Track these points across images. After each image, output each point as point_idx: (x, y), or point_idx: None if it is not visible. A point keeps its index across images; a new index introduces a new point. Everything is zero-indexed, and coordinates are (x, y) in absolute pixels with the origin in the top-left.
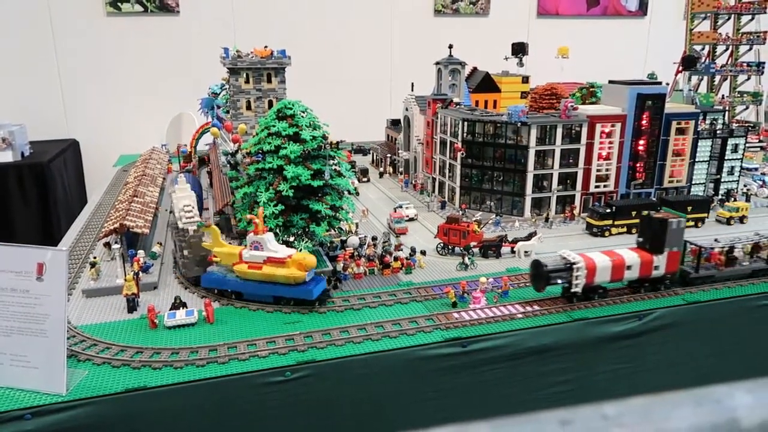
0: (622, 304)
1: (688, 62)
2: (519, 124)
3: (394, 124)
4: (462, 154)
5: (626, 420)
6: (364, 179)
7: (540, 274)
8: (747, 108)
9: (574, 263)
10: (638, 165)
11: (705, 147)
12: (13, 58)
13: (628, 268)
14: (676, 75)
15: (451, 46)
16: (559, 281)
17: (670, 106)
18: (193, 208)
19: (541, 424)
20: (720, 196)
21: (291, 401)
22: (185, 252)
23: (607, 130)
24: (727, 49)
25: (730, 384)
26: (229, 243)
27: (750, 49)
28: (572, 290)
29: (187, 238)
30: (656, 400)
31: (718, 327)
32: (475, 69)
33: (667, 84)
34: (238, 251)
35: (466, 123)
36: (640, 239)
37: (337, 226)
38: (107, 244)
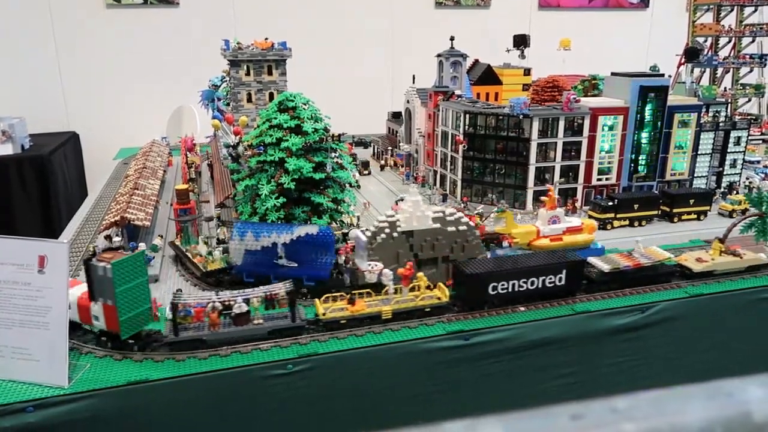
0: (624, 296)
1: (691, 54)
2: (521, 117)
3: (396, 116)
4: (463, 146)
5: (637, 414)
6: (366, 172)
7: None
8: (749, 100)
9: None
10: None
11: (707, 140)
12: (12, 51)
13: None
14: (678, 67)
15: (452, 39)
16: None
17: (672, 99)
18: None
19: (551, 418)
20: (722, 189)
21: (293, 394)
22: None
23: (609, 122)
24: (729, 41)
25: (742, 378)
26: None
27: (753, 41)
28: None
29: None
30: (667, 394)
31: (722, 320)
32: (476, 61)
33: (670, 76)
34: (535, 229)
35: (467, 115)
36: None
37: (339, 219)
38: (108, 237)
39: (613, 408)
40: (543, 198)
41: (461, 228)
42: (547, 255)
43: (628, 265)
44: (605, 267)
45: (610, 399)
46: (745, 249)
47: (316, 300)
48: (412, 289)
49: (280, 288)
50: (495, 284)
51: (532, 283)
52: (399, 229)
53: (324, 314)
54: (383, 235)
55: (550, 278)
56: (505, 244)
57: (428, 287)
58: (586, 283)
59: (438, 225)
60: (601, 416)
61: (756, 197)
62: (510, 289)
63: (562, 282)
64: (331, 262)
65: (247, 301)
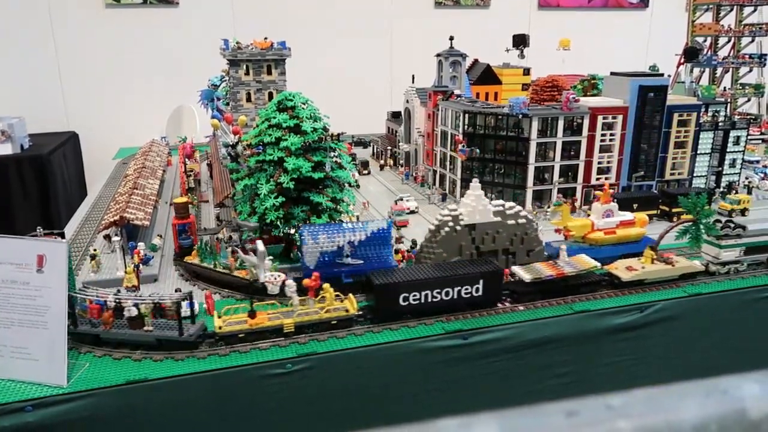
0: (623, 296)
1: (690, 54)
2: (520, 117)
3: (395, 116)
4: (463, 146)
5: (632, 411)
6: (365, 171)
7: None
8: (749, 100)
9: None
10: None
11: (707, 139)
12: (11, 50)
13: None
14: (677, 67)
15: (452, 38)
16: None
17: (671, 98)
18: None
19: (546, 416)
20: (722, 189)
21: (292, 393)
22: None
23: (608, 122)
24: (729, 40)
25: (737, 375)
26: (229, 235)
27: (752, 40)
28: None
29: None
30: (662, 391)
31: (721, 319)
32: (476, 61)
33: (669, 76)
34: (590, 222)
35: (467, 115)
36: None
37: (338, 219)
38: (107, 237)
39: (608, 405)
40: (597, 192)
41: (520, 221)
42: (463, 265)
43: (551, 274)
44: (527, 276)
45: (605, 396)
46: (680, 256)
47: (216, 312)
48: (321, 301)
49: (168, 298)
50: (406, 295)
51: (447, 294)
52: (462, 223)
53: (221, 327)
54: (447, 229)
55: (466, 289)
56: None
57: (338, 298)
58: (510, 293)
59: (498, 218)
60: (595, 413)
61: (690, 202)
62: (423, 300)
63: (480, 292)
64: (391, 254)
65: (137, 306)
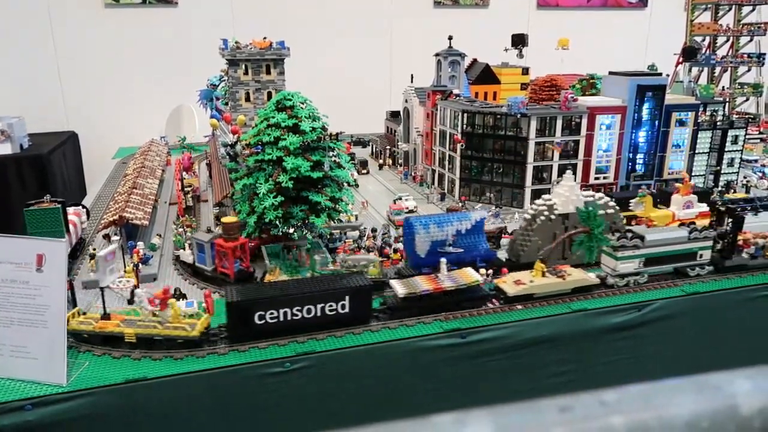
0: (621, 295)
1: (689, 53)
2: (519, 116)
3: (394, 115)
4: (461, 145)
5: (625, 407)
6: (364, 171)
7: None
8: (747, 99)
9: None
10: None
11: (705, 138)
12: (11, 50)
13: None
14: (676, 66)
15: (450, 38)
16: None
17: (670, 98)
18: None
19: (540, 412)
20: (720, 188)
21: (290, 392)
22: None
23: (607, 121)
24: (727, 40)
25: (729, 371)
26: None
27: (751, 40)
28: None
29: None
30: (656, 387)
31: (718, 318)
32: (474, 60)
33: (668, 75)
34: (671, 213)
35: (465, 115)
36: None
37: (337, 218)
38: (106, 236)
39: (601, 401)
40: (678, 184)
41: (609, 211)
42: (329, 280)
43: (428, 289)
44: (401, 291)
45: (599, 392)
46: (573, 269)
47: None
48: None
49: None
50: (262, 313)
51: (309, 311)
52: (556, 212)
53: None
54: (542, 217)
55: (331, 306)
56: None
57: (191, 316)
58: (385, 308)
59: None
60: (589, 409)
61: (584, 212)
62: (282, 319)
63: (346, 309)
64: (486, 242)
65: None
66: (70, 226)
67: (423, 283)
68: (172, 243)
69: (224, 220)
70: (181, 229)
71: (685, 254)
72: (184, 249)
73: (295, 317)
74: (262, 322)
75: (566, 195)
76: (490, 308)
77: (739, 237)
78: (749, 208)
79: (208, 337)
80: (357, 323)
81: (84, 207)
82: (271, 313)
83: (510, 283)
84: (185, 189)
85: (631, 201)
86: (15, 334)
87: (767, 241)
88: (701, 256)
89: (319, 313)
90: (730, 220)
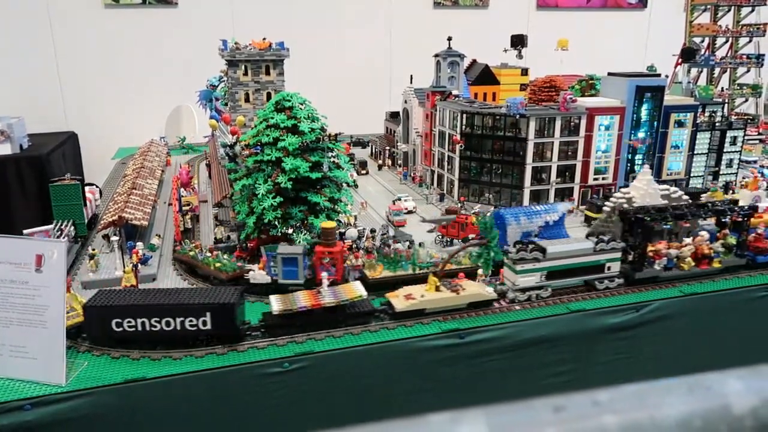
0: (619, 295)
1: (688, 54)
2: (518, 117)
3: (393, 116)
4: (461, 146)
5: (619, 406)
6: (363, 171)
7: None
8: (746, 100)
9: None
10: None
11: (704, 139)
12: (10, 50)
13: None
14: (675, 67)
15: (450, 38)
16: None
17: (669, 99)
18: None
19: (534, 411)
20: (719, 189)
21: (289, 392)
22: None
23: (605, 122)
24: (726, 41)
25: (722, 371)
26: (227, 235)
27: (750, 41)
28: None
29: None
30: (649, 387)
31: (715, 318)
32: (474, 61)
33: (667, 76)
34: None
35: (464, 115)
36: None
37: (336, 219)
38: (106, 236)
39: (594, 401)
40: (744, 180)
41: (682, 204)
42: (193, 293)
43: (305, 305)
44: (276, 307)
45: (592, 392)
46: (470, 283)
47: None
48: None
49: None
50: (120, 321)
51: (168, 324)
52: (635, 205)
53: None
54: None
55: (191, 320)
56: None
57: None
58: (262, 325)
59: (666, 201)
60: (583, 409)
61: (483, 222)
62: (140, 328)
63: (208, 326)
64: (568, 234)
65: None
66: (87, 202)
67: (302, 300)
68: (197, 260)
69: (323, 225)
70: (217, 252)
71: (592, 267)
72: (247, 271)
73: (153, 328)
74: (120, 329)
75: (644, 188)
76: (489, 309)
77: (651, 248)
78: (660, 219)
79: None
80: (224, 341)
81: (97, 186)
82: (129, 322)
83: (401, 297)
84: (183, 209)
85: (702, 195)
86: (14, 334)
87: (680, 252)
88: (609, 268)
89: (178, 327)
90: (639, 230)
